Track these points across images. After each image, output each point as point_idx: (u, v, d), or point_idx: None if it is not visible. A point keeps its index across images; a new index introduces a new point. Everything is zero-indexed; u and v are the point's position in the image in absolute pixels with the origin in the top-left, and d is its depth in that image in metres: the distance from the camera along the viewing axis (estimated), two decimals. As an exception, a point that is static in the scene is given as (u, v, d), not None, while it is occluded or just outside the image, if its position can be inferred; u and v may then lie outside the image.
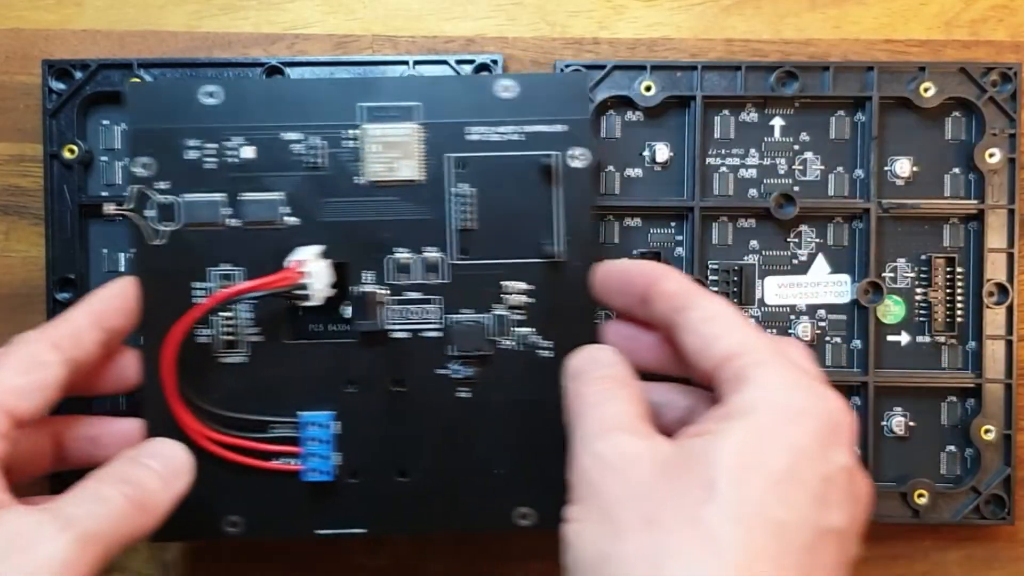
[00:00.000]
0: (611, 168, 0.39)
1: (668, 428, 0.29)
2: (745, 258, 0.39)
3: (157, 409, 0.34)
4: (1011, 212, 0.39)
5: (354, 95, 0.35)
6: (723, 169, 0.39)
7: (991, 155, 0.38)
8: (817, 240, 0.39)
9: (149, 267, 0.34)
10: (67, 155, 0.38)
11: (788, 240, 0.39)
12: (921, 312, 0.39)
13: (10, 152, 0.39)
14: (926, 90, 0.38)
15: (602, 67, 0.38)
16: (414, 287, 0.35)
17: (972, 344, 0.39)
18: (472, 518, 0.35)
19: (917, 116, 0.39)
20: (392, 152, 0.35)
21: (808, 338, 0.39)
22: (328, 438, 0.35)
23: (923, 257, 0.39)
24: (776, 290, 0.39)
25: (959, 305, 0.39)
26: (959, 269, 0.39)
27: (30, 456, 0.33)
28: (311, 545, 0.40)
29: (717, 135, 0.39)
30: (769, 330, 0.39)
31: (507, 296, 0.35)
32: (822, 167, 0.39)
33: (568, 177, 0.35)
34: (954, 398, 0.39)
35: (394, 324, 0.35)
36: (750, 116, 0.39)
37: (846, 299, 0.39)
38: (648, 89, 0.38)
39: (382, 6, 0.40)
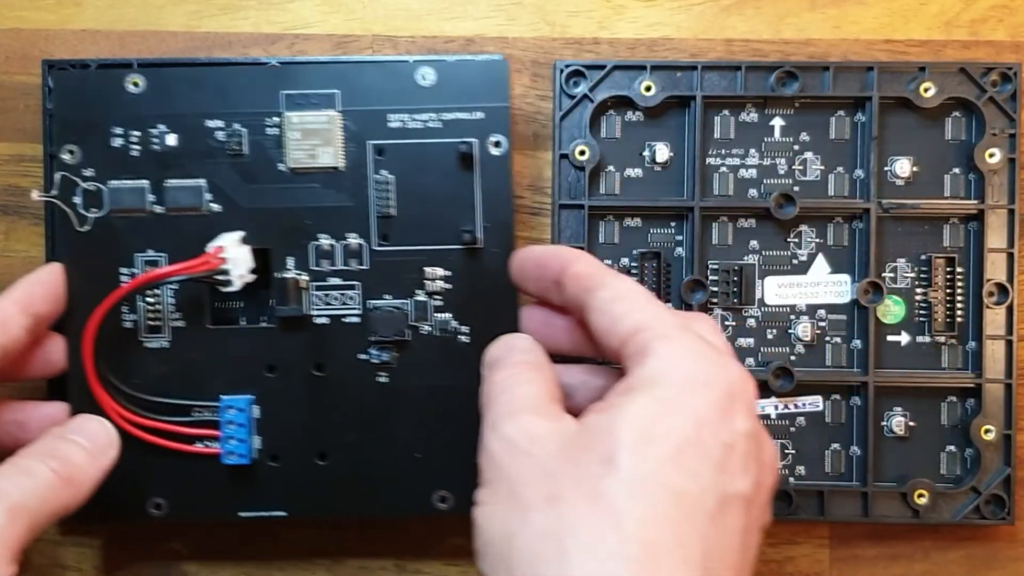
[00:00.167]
0: (611, 168, 0.39)
1: (583, 409, 0.29)
2: (745, 258, 0.39)
3: (80, 392, 0.35)
4: (1011, 212, 0.39)
5: (276, 83, 0.36)
6: (723, 169, 0.39)
7: (991, 155, 0.38)
8: (817, 240, 0.39)
9: (75, 253, 0.35)
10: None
11: (788, 240, 0.39)
12: (921, 312, 0.39)
13: (10, 152, 0.39)
14: (926, 90, 0.38)
15: (602, 67, 0.38)
16: (335, 273, 0.36)
17: (972, 344, 0.39)
18: (392, 502, 0.36)
19: (917, 116, 0.39)
20: (312, 139, 0.36)
21: (808, 338, 0.39)
22: (246, 422, 0.35)
23: (923, 257, 0.39)
24: (776, 290, 0.39)
25: (959, 305, 0.39)
26: (959, 269, 0.39)
27: None
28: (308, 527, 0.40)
29: (717, 135, 0.39)
30: (769, 330, 0.39)
31: (427, 282, 0.36)
32: (822, 167, 0.39)
33: (487, 164, 0.36)
34: (954, 398, 0.39)
35: (315, 310, 0.36)
36: (750, 116, 0.39)
37: (846, 299, 0.39)
38: (648, 89, 0.38)
39: (382, 6, 0.40)
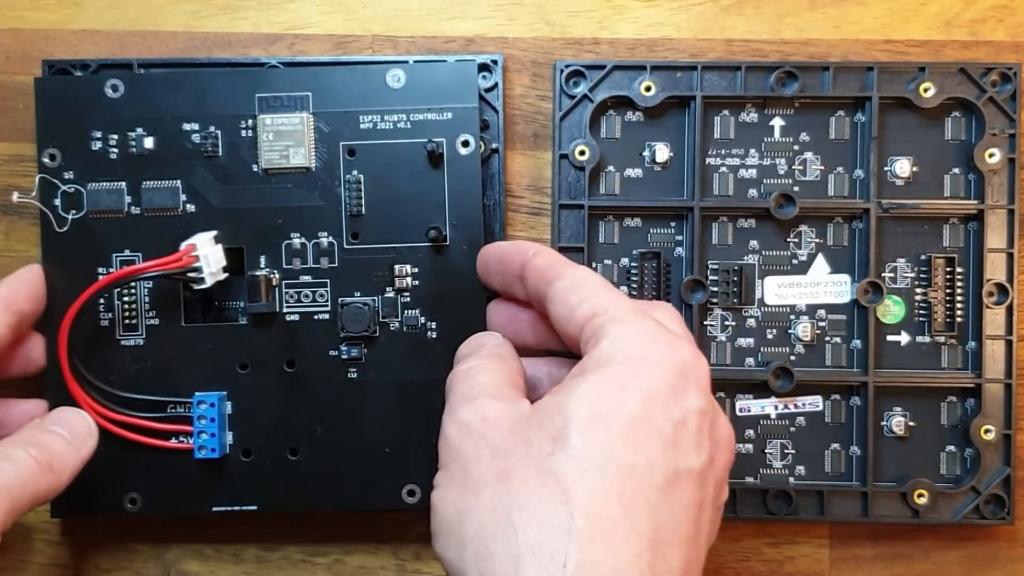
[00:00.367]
0: (611, 168, 0.39)
1: None
2: (745, 258, 0.39)
3: (57, 389, 0.35)
4: (1011, 212, 0.39)
5: (250, 86, 0.36)
6: (723, 169, 0.39)
7: (991, 155, 0.38)
8: (817, 240, 0.39)
9: (56, 253, 0.36)
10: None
11: (788, 240, 0.39)
12: (921, 312, 0.39)
13: (10, 152, 0.39)
14: (926, 90, 0.38)
15: (602, 67, 0.38)
16: (306, 271, 0.37)
17: (972, 344, 0.39)
18: (362, 496, 0.37)
19: (917, 116, 0.39)
20: (285, 141, 0.36)
21: (808, 338, 0.39)
22: (216, 417, 0.36)
23: (923, 257, 0.39)
24: (776, 290, 0.39)
25: (959, 305, 0.39)
26: (959, 269, 0.39)
27: None
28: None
29: (717, 135, 0.39)
30: (769, 330, 0.39)
31: (397, 279, 0.37)
32: (822, 167, 0.39)
33: (455, 163, 0.36)
34: (954, 398, 0.39)
35: (287, 307, 0.37)
36: (750, 116, 0.39)
37: (846, 299, 0.39)
38: (648, 89, 0.38)
39: (382, 6, 0.40)
